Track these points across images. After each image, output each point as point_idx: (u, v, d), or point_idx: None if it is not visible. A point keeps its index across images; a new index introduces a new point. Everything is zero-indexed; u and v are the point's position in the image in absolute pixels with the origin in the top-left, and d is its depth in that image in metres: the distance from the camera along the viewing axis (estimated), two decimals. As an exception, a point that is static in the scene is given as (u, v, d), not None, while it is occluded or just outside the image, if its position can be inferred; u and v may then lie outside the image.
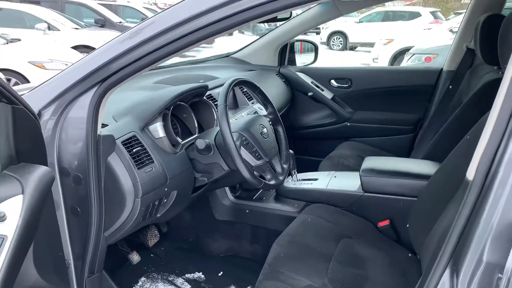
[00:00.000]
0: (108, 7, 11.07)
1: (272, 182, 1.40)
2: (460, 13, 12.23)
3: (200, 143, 1.32)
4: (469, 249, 0.79)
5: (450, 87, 2.12)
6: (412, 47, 6.81)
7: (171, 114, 1.52)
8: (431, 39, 7.21)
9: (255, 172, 1.37)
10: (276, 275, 1.28)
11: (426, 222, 1.35)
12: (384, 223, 1.59)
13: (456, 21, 8.19)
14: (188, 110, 1.53)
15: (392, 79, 2.44)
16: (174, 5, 1.04)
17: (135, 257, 1.69)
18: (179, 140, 1.43)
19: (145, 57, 1.03)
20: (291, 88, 2.58)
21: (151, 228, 1.83)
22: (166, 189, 1.30)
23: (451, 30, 7.73)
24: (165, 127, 1.37)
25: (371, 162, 1.71)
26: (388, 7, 14.12)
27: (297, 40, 2.72)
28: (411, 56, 6.39)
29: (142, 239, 1.80)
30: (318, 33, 14.40)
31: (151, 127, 1.33)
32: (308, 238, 1.48)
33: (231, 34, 14.48)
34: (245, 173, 1.26)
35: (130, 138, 1.25)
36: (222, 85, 1.45)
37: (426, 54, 5.83)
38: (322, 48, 13.04)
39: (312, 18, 2.36)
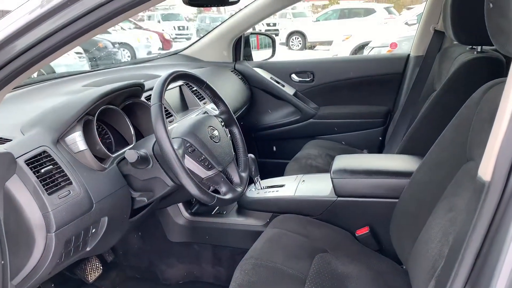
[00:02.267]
0: None
1: (228, 196, 1.14)
2: (412, 8, 12.52)
3: (131, 155, 1.04)
4: (493, 275, 0.57)
5: (420, 73, 1.94)
6: (370, 41, 6.80)
7: (100, 121, 1.24)
8: (388, 32, 7.24)
9: (206, 186, 1.11)
10: (239, 312, 1.03)
11: (411, 226, 1.15)
12: (363, 230, 1.39)
13: (410, 15, 8.31)
14: (120, 115, 1.25)
15: (357, 69, 2.25)
16: None
17: None
18: (109, 153, 1.15)
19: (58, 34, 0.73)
20: (249, 85, 2.34)
21: (91, 260, 1.53)
22: (92, 216, 1.01)
23: (406, 23, 7.81)
24: (89, 137, 1.09)
25: (342, 161, 1.49)
26: (344, 5, 14.24)
27: (252, 33, 2.50)
28: (371, 50, 6.36)
29: (80, 275, 1.49)
30: (277, 34, 14.36)
31: (68, 139, 1.04)
32: (276, 258, 1.23)
33: (189, 39, 14.16)
34: (192, 188, 0.99)
35: (39, 154, 0.96)
36: None
37: (386, 47, 5.80)
38: (282, 49, 13.03)
39: (267, 5, 2.13)
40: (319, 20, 13.44)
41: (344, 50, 8.10)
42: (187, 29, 14.89)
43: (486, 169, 0.59)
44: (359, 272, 1.23)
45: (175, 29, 14.48)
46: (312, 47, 13.40)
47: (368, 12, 12.88)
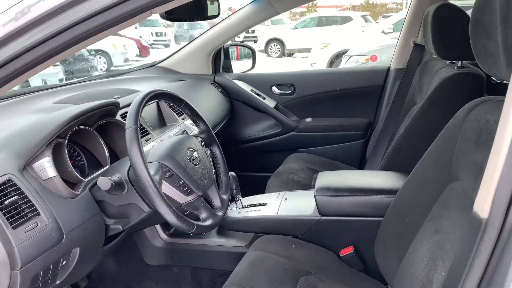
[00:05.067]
0: None
1: (209, 222, 1.08)
2: (388, 16, 12.78)
3: (104, 183, 0.97)
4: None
5: (401, 86, 1.94)
6: (348, 49, 6.87)
7: (71, 141, 1.16)
8: (365, 41, 7.33)
9: (185, 212, 1.05)
10: None
11: (396, 246, 1.13)
12: (347, 250, 1.36)
13: (387, 24, 8.45)
14: (94, 136, 1.18)
15: (337, 81, 2.24)
16: None
17: None
18: (81, 177, 1.08)
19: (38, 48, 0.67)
20: (229, 97, 2.29)
21: None
22: (62, 248, 0.94)
23: (383, 32, 7.93)
24: (59, 162, 1.02)
25: (325, 179, 1.46)
26: (321, 12, 14.38)
27: (231, 45, 2.46)
28: (348, 58, 6.41)
29: (51, 303, 1.40)
30: (255, 41, 14.40)
31: (36, 165, 0.97)
32: (259, 283, 1.19)
33: (168, 46, 13.99)
34: (170, 217, 0.93)
35: (3, 184, 0.89)
36: None
37: (364, 56, 5.85)
38: (261, 56, 13.06)
39: (245, 18, 2.09)
40: (297, 28, 13.56)
41: (322, 58, 8.16)
42: (165, 35, 14.72)
43: (483, 205, 0.56)
44: (345, 296, 1.19)
45: (152, 35, 14.30)
46: (290, 54, 13.49)
47: (345, 20, 13.07)
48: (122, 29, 0.69)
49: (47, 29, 0.65)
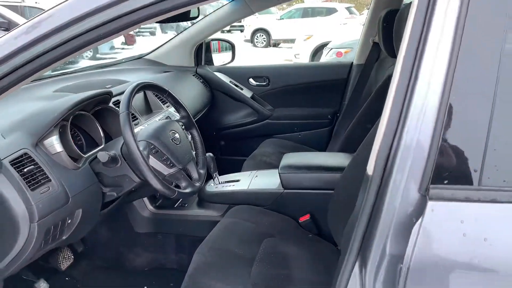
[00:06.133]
0: (14, 9, 10.10)
1: (188, 190, 1.33)
2: (372, 8, 13.01)
3: (103, 156, 1.21)
4: (373, 243, 0.80)
5: (360, 80, 2.20)
6: (330, 42, 7.09)
7: (73, 125, 1.39)
8: (346, 33, 7.55)
9: (168, 182, 1.30)
10: (196, 286, 1.22)
11: (342, 213, 1.38)
12: (305, 218, 1.61)
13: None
14: (91, 120, 1.41)
15: (307, 75, 2.49)
16: None
17: (42, 285, 1.53)
18: (81, 153, 1.31)
19: (39, 59, 0.90)
20: (210, 88, 2.52)
21: (63, 250, 1.68)
22: (68, 208, 1.18)
23: (363, 25, 8.16)
24: (64, 140, 1.25)
25: (289, 159, 1.72)
26: (307, 3, 14.56)
27: (213, 39, 2.68)
28: (329, 50, 6.64)
29: (53, 264, 1.64)
30: (242, 31, 14.52)
31: (46, 142, 1.19)
32: (230, 242, 1.44)
33: (153, 33, 14.02)
34: (156, 183, 1.18)
35: (20, 156, 1.12)
36: None
37: (342, 48, 6.09)
38: (246, 46, 13.19)
39: (224, 17, 2.32)
40: (283, 18, 13.69)
41: (305, 49, 8.36)
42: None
43: (370, 166, 0.81)
44: (301, 252, 1.45)
45: (138, 23, 14.23)
46: (276, 44, 13.64)
47: (330, 11, 13.25)
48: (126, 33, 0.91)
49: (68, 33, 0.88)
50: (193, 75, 2.46)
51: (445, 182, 0.74)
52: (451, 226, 0.74)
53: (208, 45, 2.60)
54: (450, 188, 0.73)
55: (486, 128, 0.73)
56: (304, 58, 8.27)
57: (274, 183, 1.69)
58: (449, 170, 0.75)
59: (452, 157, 0.75)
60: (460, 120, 0.75)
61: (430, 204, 0.73)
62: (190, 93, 2.29)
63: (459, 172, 0.75)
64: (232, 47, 2.75)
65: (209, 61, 2.65)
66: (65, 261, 1.67)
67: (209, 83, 2.52)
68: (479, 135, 0.73)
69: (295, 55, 8.68)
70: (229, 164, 2.32)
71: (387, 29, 1.72)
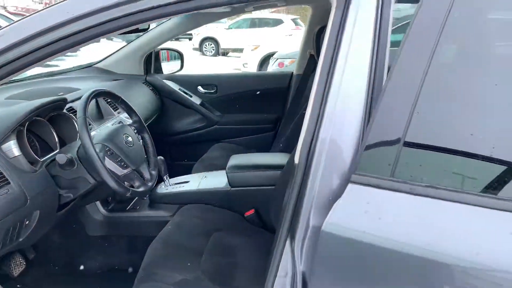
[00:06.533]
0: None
1: (141, 189, 1.45)
2: (316, 20, 13.60)
3: (61, 158, 1.30)
4: (299, 220, 0.97)
5: (299, 88, 2.42)
6: (276, 52, 7.40)
7: (28, 130, 1.46)
8: (291, 44, 7.89)
9: (122, 182, 1.41)
10: (150, 277, 1.34)
11: (280, 204, 1.55)
12: (250, 212, 1.77)
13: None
14: (46, 125, 1.49)
15: (253, 83, 2.69)
16: (32, 14, 1.03)
17: None
18: (38, 158, 1.38)
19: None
20: (159, 96, 2.63)
21: (15, 257, 1.71)
22: (26, 210, 1.25)
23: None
24: (21, 144, 1.32)
25: (235, 159, 1.88)
26: (254, 14, 14.93)
27: (162, 49, 2.79)
28: (275, 61, 6.92)
29: (6, 270, 1.67)
30: (190, 39, 14.55)
31: (4, 146, 1.26)
32: (181, 237, 1.57)
33: (98, 41, 13.64)
34: (111, 183, 1.29)
35: None
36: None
37: (287, 59, 6.38)
38: (195, 54, 13.23)
39: (173, 28, 2.45)
40: (231, 28, 13.93)
41: (253, 59, 8.63)
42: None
43: (297, 155, 0.99)
44: (246, 244, 1.60)
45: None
46: (225, 53, 13.82)
47: (277, 22, 13.66)
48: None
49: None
50: (143, 83, 2.56)
51: (363, 170, 0.89)
52: (359, 205, 0.92)
53: (157, 54, 2.71)
54: (367, 175, 0.89)
55: (403, 130, 0.90)
56: (252, 68, 8.52)
57: (222, 182, 1.84)
58: (369, 161, 0.92)
59: (371, 152, 0.92)
60: (378, 120, 0.91)
61: (349, 187, 0.91)
62: (140, 100, 2.39)
63: (375, 164, 0.92)
64: (180, 56, 2.88)
65: (159, 70, 2.76)
66: (17, 267, 1.70)
67: (158, 90, 2.62)
68: (395, 135, 0.87)
69: (244, 64, 8.91)
70: (180, 168, 2.42)
71: (319, 43, 1.95)
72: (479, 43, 0.92)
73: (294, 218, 0.99)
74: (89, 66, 2.57)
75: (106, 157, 1.36)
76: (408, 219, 0.87)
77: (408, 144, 0.89)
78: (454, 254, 0.80)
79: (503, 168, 0.85)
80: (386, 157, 0.92)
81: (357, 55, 0.97)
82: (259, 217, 1.78)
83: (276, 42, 9.09)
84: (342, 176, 0.95)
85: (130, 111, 1.58)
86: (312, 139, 0.96)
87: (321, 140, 0.94)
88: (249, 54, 8.79)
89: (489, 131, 0.87)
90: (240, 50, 10.77)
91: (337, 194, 0.94)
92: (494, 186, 0.85)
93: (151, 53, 2.63)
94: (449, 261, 0.80)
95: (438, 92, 0.90)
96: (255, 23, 13.85)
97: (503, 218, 0.79)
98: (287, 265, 1.00)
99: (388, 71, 0.96)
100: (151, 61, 2.65)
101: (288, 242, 1.00)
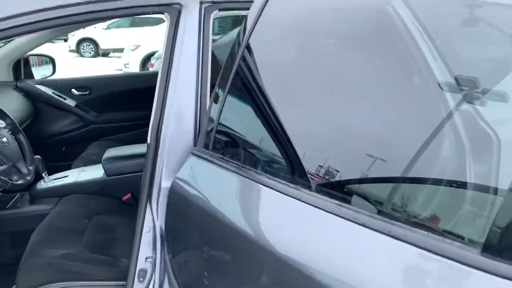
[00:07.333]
0: None
1: (20, 182, 1.63)
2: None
3: None
4: (154, 185, 1.31)
5: None
6: (157, 51, 7.53)
7: None
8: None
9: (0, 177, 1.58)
10: (35, 253, 1.55)
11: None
12: (127, 196, 2.05)
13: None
14: None
15: (126, 83, 2.92)
16: None
17: None
18: None
19: None
20: (32, 100, 2.71)
21: None
22: None
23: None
24: None
25: (110, 152, 2.13)
26: (134, 13, 14.54)
27: (31, 55, 2.85)
28: (157, 60, 7.09)
29: None
30: (66, 40, 13.71)
31: None
32: (63, 222, 1.79)
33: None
34: None
35: None
36: None
37: (160, 58, 6.60)
38: (72, 56, 12.56)
39: (37, 38, 2.56)
40: (110, 28, 13.49)
41: (135, 59, 8.64)
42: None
43: (149, 136, 1.33)
44: (123, 222, 1.88)
45: None
46: (106, 54, 13.36)
47: (159, 21, 13.60)
48: None
49: None
50: (14, 89, 2.62)
51: (201, 147, 1.26)
52: (192, 173, 1.29)
53: (26, 61, 2.77)
54: (202, 152, 1.24)
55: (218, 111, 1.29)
56: (134, 68, 8.52)
57: (99, 173, 2.08)
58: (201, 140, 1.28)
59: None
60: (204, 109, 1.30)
61: (187, 159, 1.26)
62: (11, 106, 2.45)
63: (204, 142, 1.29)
64: (52, 61, 2.97)
65: (29, 75, 2.82)
66: None
67: (31, 96, 2.70)
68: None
69: (125, 64, 8.85)
70: (60, 169, 2.56)
71: None
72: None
73: (150, 184, 1.33)
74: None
75: (-18, 156, 1.53)
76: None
77: (220, 126, 1.28)
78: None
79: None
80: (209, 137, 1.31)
81: (186, 58, 1.34)
82: (135, 199, 2.07)
83: (157, 42, 9.17)
84: (183, 150, 1.31)
85: (2, 115, 1.74)
86: (158, 124, 1.30)
87: (166, 124, 1.30)
88: (130, 54, 8.77)
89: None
90: (121, 50, 10.59)
91: (179, 164, 1.30)
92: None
93: (20, 59, 2.69)
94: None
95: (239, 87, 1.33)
96: (136, 23, 13.60)
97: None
98: (149, 222, 1.34)
99: (210, 73, 1.37)
100: (21, 67, 2.71)
101: (148, 207, 1.33)
